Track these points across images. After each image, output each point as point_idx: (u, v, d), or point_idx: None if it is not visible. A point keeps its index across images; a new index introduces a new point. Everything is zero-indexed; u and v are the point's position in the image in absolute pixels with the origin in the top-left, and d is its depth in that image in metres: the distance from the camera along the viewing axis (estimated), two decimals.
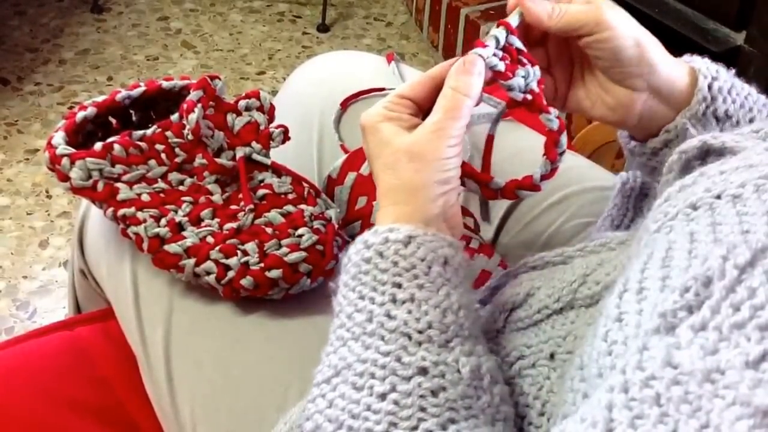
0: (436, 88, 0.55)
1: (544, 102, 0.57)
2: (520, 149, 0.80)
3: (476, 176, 0.59)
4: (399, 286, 0.49)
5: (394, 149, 0.52)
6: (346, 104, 0.85)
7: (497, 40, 0.56)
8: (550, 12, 0.58)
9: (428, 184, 0.52)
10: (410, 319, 0.48)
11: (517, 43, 0.57)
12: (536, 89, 0.57)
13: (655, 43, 0.60)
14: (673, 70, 0.61)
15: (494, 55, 0.55)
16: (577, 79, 0.63)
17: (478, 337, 0.50)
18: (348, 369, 0.47)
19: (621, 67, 0.59)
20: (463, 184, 0.60)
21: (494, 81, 0.56)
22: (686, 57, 0.64)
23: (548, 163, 0.57)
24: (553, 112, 0.57)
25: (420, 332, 0.47)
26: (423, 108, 0.56)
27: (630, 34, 0.58)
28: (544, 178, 0.58)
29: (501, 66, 0.55)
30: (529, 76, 0.57)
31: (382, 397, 0.45)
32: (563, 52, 0.63)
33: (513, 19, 0.58)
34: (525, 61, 0.57)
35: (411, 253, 0.49)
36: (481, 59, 0.54)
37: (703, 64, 0.62)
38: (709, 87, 0.60)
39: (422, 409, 0.45)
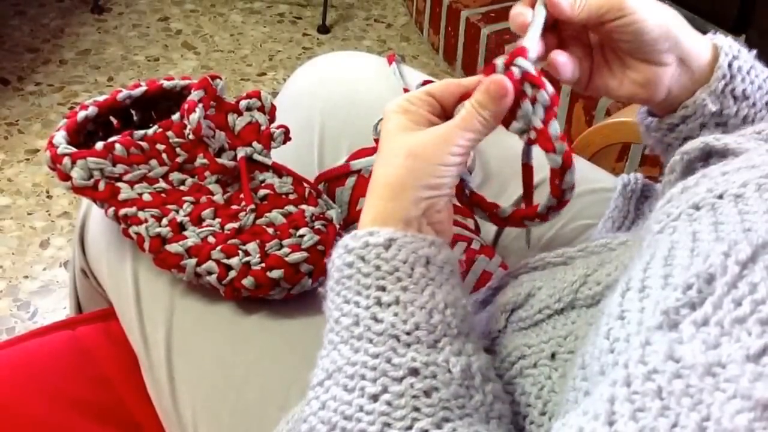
0: (464, 98, 0.54)
1: (550, 138, 0.53)
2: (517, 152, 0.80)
3: (483, 205, 0.59)
4: (383, 289, 0.49)
5: (396, 144, 0.52)
6: None
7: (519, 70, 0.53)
8: (572, 2, 0.58)
9: (416, 186, 0.51)
10: (397, 321, 0.48)
11: (528, 67, 0.53)
12: (539, 125, 0.53)
13: (677, 16, 0.60)
14: (696, 44, 0.60)
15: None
16: (600, 62, 0.63)
17: (468, 335, 0.50)
18: (339, 372, 0.47)
19: (647, 47, 0.59)
20: (472, 212, 0.60)
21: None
22: (709, 35, 0.63)
23: (553, 199, 0.56)
24: (559, 149, 0.53)
25: (408, 333, 0.47)
26: (447, 112, 0.55)
27: (652, 14, 0.58)
28: (551, 209, 0.56)
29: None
30: (529, 113, 0.53)
31: (374, 398, 0.45)
32: (579, 36, 0.62)
33: (539, 14, 0.57)
34: (528, 91, 0.53)
35: (392, 256, 0.49)
36: (510, 84, 0.53)
37: (725, 42, 0.61)
38: (729, 65, 0.60)
39: (416, 409, 0.45)
